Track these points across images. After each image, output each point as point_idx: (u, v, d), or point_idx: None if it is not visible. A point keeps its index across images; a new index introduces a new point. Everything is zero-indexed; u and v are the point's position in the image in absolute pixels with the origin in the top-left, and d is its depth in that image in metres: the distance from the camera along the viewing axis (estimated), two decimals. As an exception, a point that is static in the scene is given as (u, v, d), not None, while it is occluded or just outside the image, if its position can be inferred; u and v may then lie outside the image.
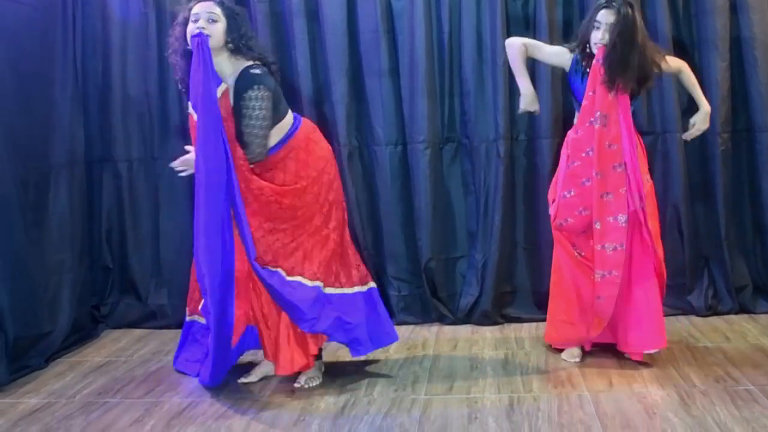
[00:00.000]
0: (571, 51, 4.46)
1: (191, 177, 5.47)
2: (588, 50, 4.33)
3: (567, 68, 4.50)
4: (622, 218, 4.22)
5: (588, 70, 4.30)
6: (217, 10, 4.01)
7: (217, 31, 3.99)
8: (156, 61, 5.55)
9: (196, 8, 4.01)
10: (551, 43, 5.17)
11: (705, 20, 5.23)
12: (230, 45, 4.04)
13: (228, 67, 4.07)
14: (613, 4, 4.19)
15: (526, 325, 5.33)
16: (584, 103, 4.29)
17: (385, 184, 5.48)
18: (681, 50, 5.22)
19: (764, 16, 5.20)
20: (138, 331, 5.56)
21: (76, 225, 5.37)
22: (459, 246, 5.58)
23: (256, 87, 4.00)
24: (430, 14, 5.37)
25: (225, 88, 4.03)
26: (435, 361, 4.67)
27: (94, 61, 5.62)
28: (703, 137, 4.94)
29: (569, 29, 5.36)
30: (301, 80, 5.42)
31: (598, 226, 4.25)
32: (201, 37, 3.87)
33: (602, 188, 4.24)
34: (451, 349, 4.92)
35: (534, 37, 5.22)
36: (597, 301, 4.32)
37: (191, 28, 3.97)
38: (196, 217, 4.11)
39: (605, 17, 4.19)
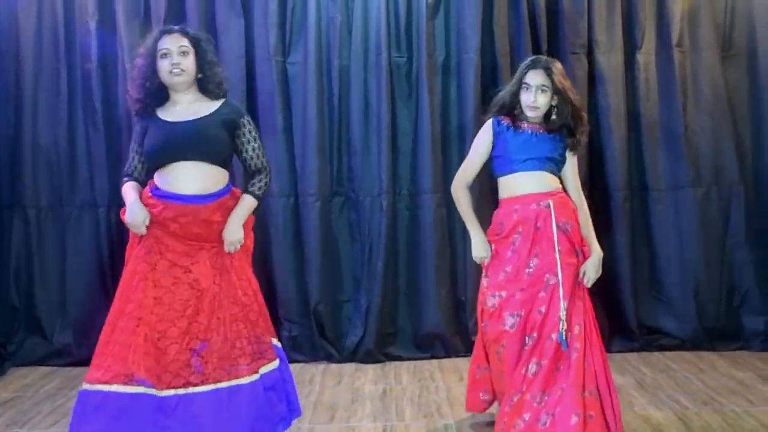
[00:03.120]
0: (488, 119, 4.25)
1: (95, 222, 5.81)
2: (516, 113, 4.16)
3: (492, 139, 4.19)
4: None
5: (510, 125, 4.13)
6: (186, 42, 3.84)
7: (189, 64, 3.83)
8: (66, 112, 5.87)
9: (165, 43, 3.82)
10: (431, 110, 5.74)
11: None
12: (200, 75, 3.89)
13: (200, 100, 3.92)
14: (538, 64, 4.09)
15: (405, 363, 5.77)
16: None
17: (278, 232, 5.84)
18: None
19: (617, 88, 5.86)
20: (43, 368, 5.78)
21: (-16, 268, 5.63)
22: (345, 290, 5.99)
23: (245, 114, 3.98)
24: (322, 79, 5.83)
25: None
26: (320, 395, 5.08)
27: (7, 113, 5.88)
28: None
29: (447, 94, 5.92)
30: (202, 136, 5.80)
31: None
32: None
33: None
34: (336, 384, 5.34)
35: (416, 102, 5.81)
36: None
37: (165, 66, 3.80)
38: None
39: (534, 79, 4.03)
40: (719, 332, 5.92)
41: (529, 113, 4.09)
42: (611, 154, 5.85)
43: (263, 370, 3.85)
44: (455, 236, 5.95)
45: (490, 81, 5.84)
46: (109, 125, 5.86)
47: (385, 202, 5.81)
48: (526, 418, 3.82)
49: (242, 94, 5.79)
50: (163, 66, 3.80)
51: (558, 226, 4.02)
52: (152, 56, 3.83)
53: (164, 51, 3.80)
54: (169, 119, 3.84)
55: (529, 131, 4.12)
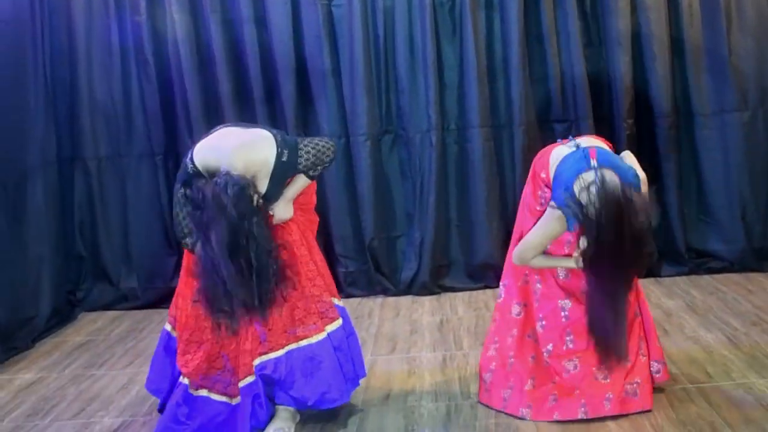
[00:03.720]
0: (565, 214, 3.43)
1: (153, 170, 5.95)
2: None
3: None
4: None
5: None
6: None
7: None
8: (119, 67, 6.03)
9: None
10: (476, 45, 5.80)
11: (610, 20, 5.82)
12: None
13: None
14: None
15: (460, 294, 5.93)
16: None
17: (330, 173, 5.91)
18: (590, 47, 5.91)
19: (660, 14, 5.82)
20: (112, 313, 6.05)
21: (51, 219, 5.86)
22: (398, 226, 6.13)
23: (298, 158, 3.65)
24: (367, 20, 5.89)
25: None
26: (380, 328, 5.27)
27: (62, 71, 6.03)
28: (610, 123, 5.67)
29: (491, 29, 5.93)
30: (252, 82, 5.91)
31: None
32: None
33: None
34: (394, 316, 5.53)
35: (460, 38, 5.86)
36: None
37: None
38: None
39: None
40: (767, 253, 5.96)
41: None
42: (656, 81, 5.83)
43: (329, 328, 3.81)
44: (504, 168, 6.04)
45: (533, 13, 5.87)
46: (161, 76, 6.01)
47: (434, 138, 5.90)
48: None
49: (289, 40, 5.88)
50: None
51: None
52: None
53: None
54: None
55: None
